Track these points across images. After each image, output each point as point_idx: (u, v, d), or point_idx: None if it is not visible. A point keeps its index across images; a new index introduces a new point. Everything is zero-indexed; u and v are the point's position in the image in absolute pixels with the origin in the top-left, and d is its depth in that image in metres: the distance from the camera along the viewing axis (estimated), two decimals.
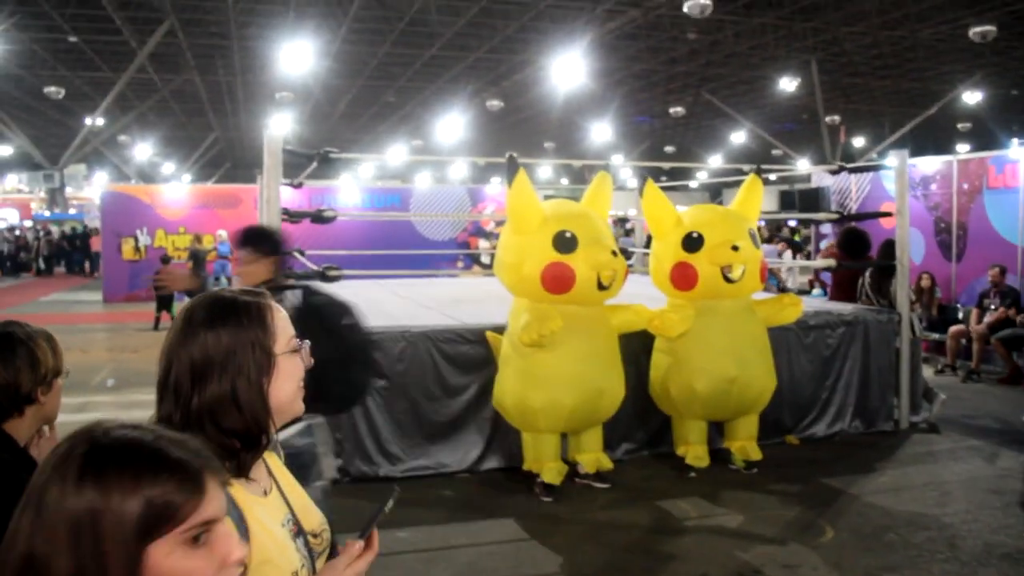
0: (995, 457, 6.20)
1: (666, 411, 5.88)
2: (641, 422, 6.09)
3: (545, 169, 40.46)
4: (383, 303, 7.48)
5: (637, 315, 5.43)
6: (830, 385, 6.69)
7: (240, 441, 1.45)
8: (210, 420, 1.42)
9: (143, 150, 30.72)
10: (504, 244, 5.33)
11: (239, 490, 1.47)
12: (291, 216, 6.05)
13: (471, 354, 5.75)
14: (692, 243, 5.46)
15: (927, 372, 9.13)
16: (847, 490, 5.46)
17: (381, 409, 5.63)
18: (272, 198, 5.72)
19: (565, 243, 5.01)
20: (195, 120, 28.26)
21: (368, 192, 19.10)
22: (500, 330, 5.58)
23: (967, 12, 17.20)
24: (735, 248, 5.32)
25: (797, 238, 19.05)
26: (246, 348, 1.46)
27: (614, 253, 5.04)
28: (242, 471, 1.48)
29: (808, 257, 14.14)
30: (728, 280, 5.41)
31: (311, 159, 6.62)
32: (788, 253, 15.05)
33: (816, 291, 11.93)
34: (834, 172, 8.39)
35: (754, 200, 5.84)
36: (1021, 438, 6.70)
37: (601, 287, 5.08)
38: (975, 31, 16.75)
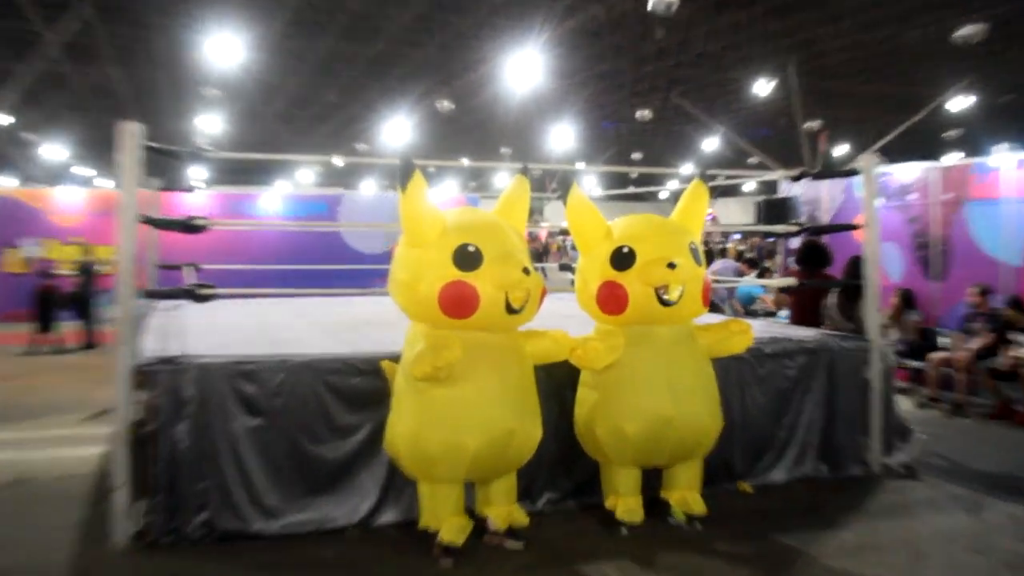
0: (980, 508, 5.74)
1: (593, 456, 5.38)
2: (567, 467, 5.58)
3: (503, 176, 40.03)
4: (274, 327, 7.00)
5: (556, 343, 4.96)
6: (789, 423, 6.27)
7: None
8: None
9: (55, 151, 29.82)
10: (398, 259, 4.83)
11: None
12: (154, 224, 5.51)
13: (364, 388, 5.24)
14: (622, 259, 5.01)
15: (907, 406, 8.71)
16: (806, 550, 4.96)
17: (255, 452, 5.07)
18: (129, 203, 5.14)
19: (467, 259, 4.55)
20: (115, 119, 27.36)
21: (292, 200, 18.69)
22: (399, 358, 5.06)
23: (951, 12, 17.04)
24: (671, 266, 4.87)
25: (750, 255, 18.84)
26: None
27: (526, 271, 4.59)
28: None
29: (769, 275, 13.78)
30: (664, 303, 4.95)
31: (179, 157, 6.08)
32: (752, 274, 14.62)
33: (784, 312, 11.58)
34: (795, 179, 8.01)
35: (697, 209, 5.40)
36: (1010, 484, 6.28)
37: (511, 310, 4.61)
38: (960, 33, 16.56)
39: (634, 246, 5.02)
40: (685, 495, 5.31)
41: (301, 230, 16.57)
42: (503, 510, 4.96)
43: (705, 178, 5.51)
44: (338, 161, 9.00)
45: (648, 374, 5.05)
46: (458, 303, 4.51)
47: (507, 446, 4.72)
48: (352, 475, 5.24)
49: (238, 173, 36.08)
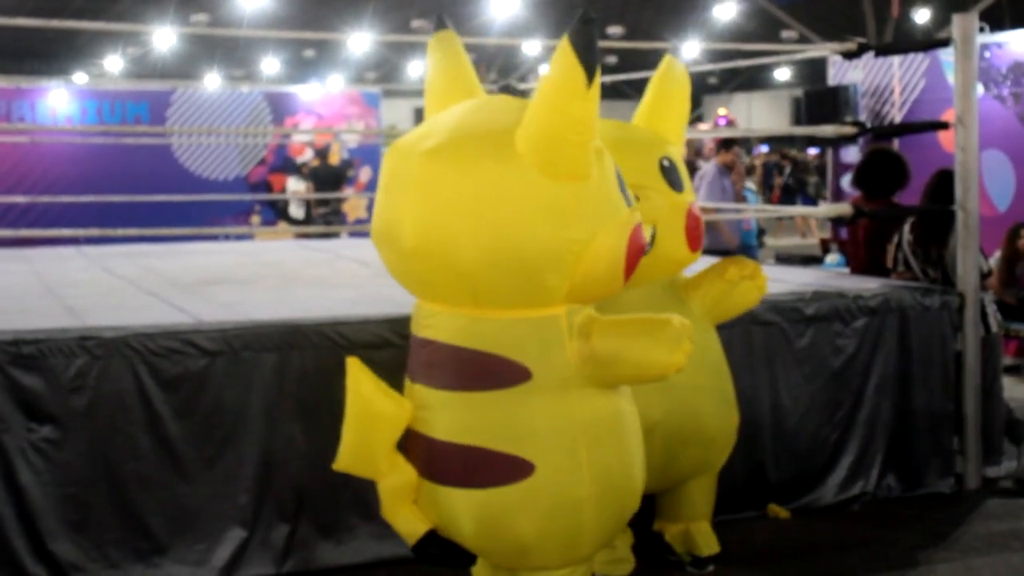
0: None
1: None
2: None
3: (416, 64, 39.76)
4: (69, 288, 7.03)
5: None
6: (843, 418, 6.43)
7: None
8: None
9: None
10: (536, 203, 4.16)
11: None
12: None
13: (214, 380, 5.27)
14: None
15: (1020, 391, 8.93)
16: None
17: (43, 479, 5.07)
18: None
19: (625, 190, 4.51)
20: None
21: (94, 98, 18.68)
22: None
23: None
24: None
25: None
26: None
27: None
28: None
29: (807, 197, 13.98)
30: None
31: None
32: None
33: (833, 257, 11.76)
34: (851, 56, 8.09)
35: (673, 103, 5.46)
36: None
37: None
38: None
39: None
40: (690, 528, 5.45)
41: (109, 143, 16.24)
42: None
43: (676, 53, 5.64)
44: (167, 37, 8.81)
45: None
46: (638, 256, 4.44)
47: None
48: (198, 510, 5.27)
49: (6, 57, 35.43)
